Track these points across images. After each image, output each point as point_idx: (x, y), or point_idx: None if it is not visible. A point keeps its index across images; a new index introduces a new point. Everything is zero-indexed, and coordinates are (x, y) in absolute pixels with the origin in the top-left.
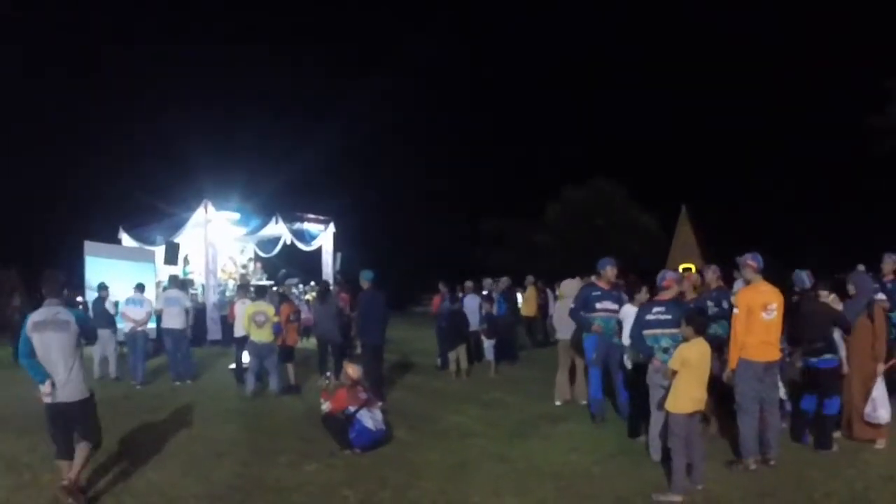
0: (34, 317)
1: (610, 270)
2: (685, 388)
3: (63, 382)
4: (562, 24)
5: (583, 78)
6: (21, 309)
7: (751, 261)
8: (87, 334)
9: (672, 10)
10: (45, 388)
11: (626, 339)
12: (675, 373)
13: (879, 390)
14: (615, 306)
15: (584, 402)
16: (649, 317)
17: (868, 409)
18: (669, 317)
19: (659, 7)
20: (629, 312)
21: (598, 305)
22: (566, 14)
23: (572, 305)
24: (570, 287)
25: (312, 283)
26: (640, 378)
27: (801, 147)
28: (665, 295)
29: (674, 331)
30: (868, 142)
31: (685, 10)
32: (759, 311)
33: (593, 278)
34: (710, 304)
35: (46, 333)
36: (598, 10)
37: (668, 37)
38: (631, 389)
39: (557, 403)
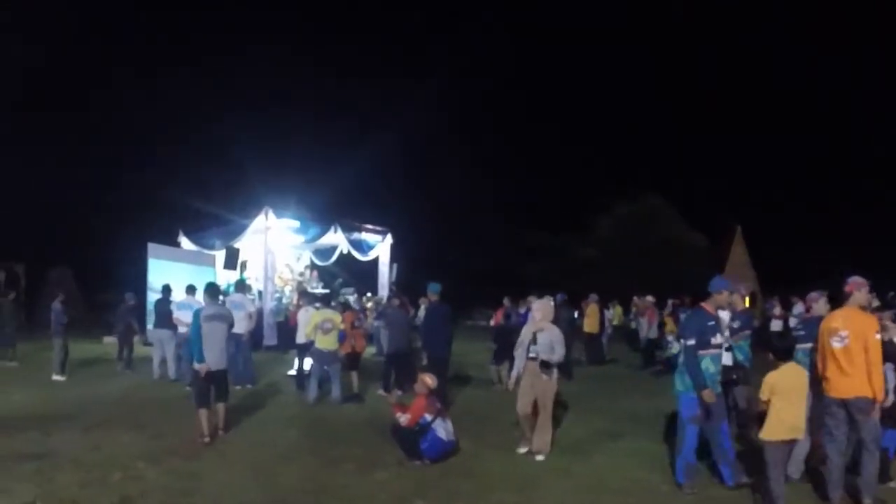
0: (205, 311)
1: (728, 294)
2: (779, 416)
3: (217, 356)
4: (617, 35)
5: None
6: (132, 311)
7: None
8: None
9: (730, 29)
10: (203, 366)
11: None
12: (767, 402)
13: None
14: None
15: (541, 458)
16: None
17: None
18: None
19: (718, 25)
20: None
21: (712, 340)
22: (622, 25)
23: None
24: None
25: (369, 293)
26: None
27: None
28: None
29: None
30: None
31: (744, 30)
32: (826, 338)
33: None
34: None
35: (214, 323)
36: (652, 20)
37: (726, 57)
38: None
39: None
